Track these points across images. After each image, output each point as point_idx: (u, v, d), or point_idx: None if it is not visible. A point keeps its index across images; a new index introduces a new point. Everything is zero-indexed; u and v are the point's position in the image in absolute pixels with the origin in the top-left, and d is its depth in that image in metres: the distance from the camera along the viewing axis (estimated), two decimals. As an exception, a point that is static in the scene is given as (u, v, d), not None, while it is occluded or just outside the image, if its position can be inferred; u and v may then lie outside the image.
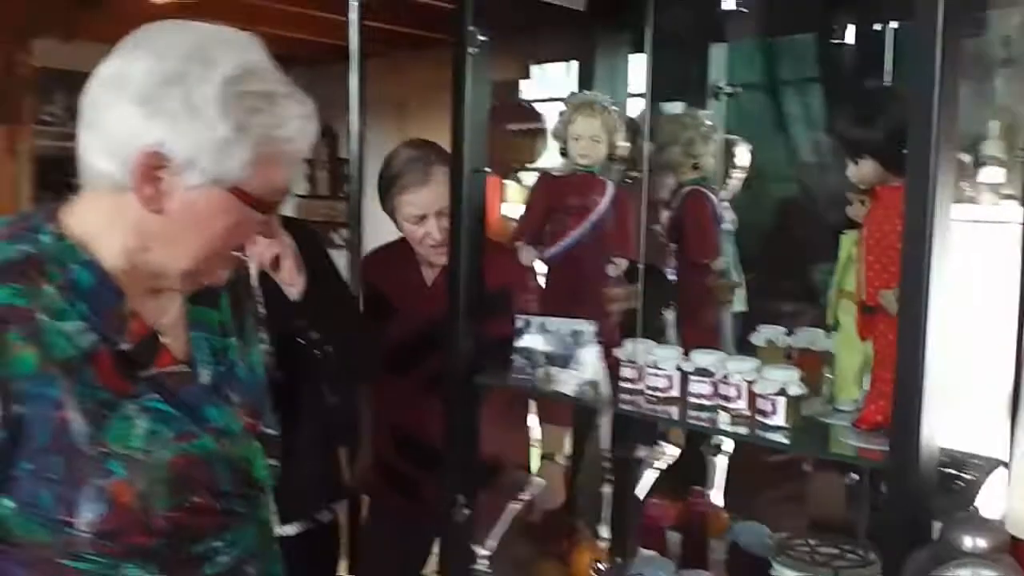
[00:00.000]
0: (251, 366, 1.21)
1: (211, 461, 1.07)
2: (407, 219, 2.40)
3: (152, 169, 1.02)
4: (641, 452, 2.16)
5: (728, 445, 2.25)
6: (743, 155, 2.44)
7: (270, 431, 1.21)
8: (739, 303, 2.23)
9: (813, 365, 1.86)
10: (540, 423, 2.53)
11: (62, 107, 5.46)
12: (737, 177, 2.44)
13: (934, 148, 1.31)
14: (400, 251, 2.53)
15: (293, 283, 1.97)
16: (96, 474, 0.97)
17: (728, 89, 2.44)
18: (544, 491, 2.21)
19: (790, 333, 1.97)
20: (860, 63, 1.89)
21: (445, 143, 2.07)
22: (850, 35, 2.04)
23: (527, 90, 5.19)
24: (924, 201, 1.32)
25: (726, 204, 2.29)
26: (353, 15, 3.00)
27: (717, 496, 2.22)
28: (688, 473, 2.25)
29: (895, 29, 1.69)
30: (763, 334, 2.01)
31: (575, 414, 2.24)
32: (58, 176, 5.84)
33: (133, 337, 1.05)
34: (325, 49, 4.59)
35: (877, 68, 1.68)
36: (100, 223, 1.07)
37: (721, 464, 2.23)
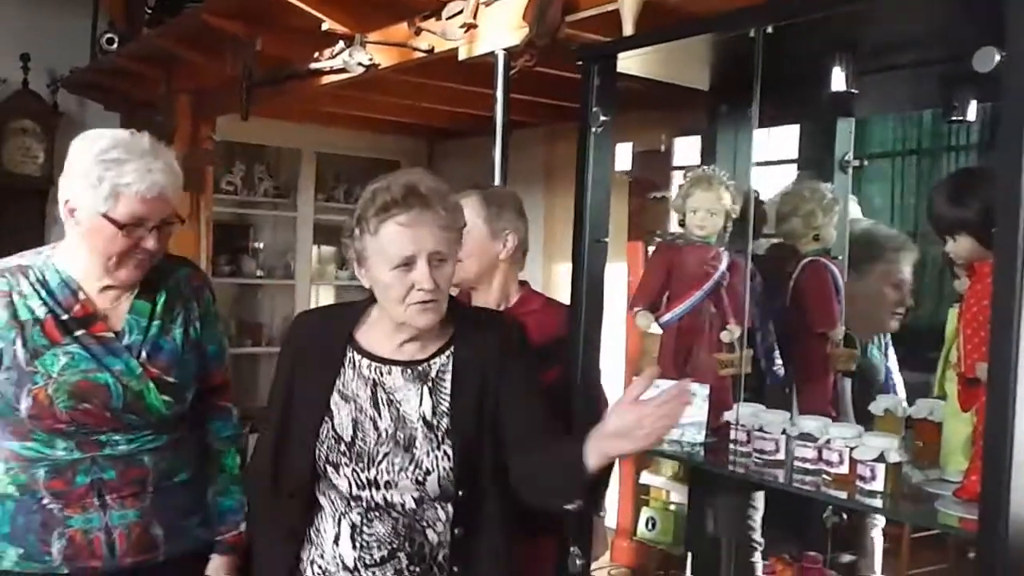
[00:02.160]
0: (174, 339, 1.83)
1: (105, 386, 1.71)
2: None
3: (69, 212, 1.75)
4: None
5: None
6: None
7: (169, 379, 1.78)
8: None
9: (931, 435, 1.88)
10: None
11: (239, 176, 5.90)
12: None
13: (1022, 224, 1.35)
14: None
15: None
16: (29, 382, 1.69)
17: (855, 162, 2.50)
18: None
19: (910, 403, 2.00)
20: (961, 142, 1.92)
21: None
22: (971, 112, 2.08)
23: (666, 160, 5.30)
24: (1012, 276, 1.36)
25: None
26: (499, 92, 3.22)
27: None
28: (804, 537, 2.27)
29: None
30: (881, 403, 2.04)
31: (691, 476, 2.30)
32: (233, 240, 6.34)
33: (75, 314, 1.74)
34: (480, 121, 4.85)
35: (976, 146, 1.72)
36: (69, 250, 1.81)
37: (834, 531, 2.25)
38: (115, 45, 5.11)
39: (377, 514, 1.72)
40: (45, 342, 1.70)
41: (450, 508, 1.74)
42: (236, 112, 4.58)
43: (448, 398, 1.74)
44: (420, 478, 1.71)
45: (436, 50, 3.48)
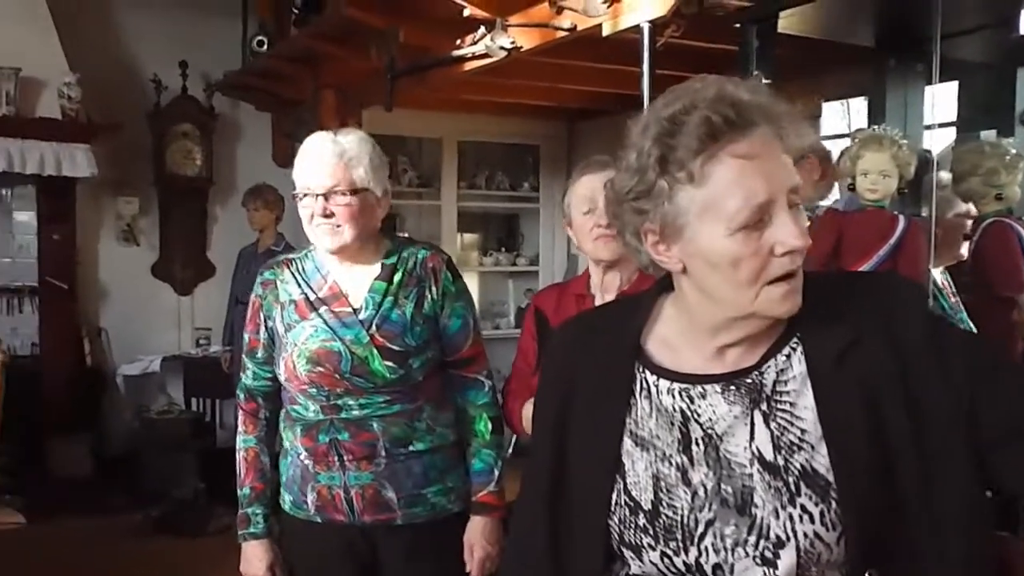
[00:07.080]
0: (404, 313, 1.98)
1: (337, 353, 1.93)
2: (577, 208, 2.12)
3: None
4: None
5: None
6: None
7: (392, 347, 1.94)
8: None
9: None
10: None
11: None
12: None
13: None
14: (572, 285, 2.28)
15: None
16: (283, 351, 1.97)
17: (1037, 115, 2.33)
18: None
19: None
20: None
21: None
22: None
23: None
24: None
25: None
26: (645, 66, 3.15)
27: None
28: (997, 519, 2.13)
29: None
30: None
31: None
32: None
33: (324, 292, 2.00)
34: (620, 99, 4.78)
35: None
36: None
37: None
38: (265, 47, 5.30)
39: None
40: (296, 318, 1.99)
41: None
42: (379, 104, 4.68)
43: (797, 420, 1.06)
44: (770, 553, 1.05)
45: (579, 28, 3.45)
